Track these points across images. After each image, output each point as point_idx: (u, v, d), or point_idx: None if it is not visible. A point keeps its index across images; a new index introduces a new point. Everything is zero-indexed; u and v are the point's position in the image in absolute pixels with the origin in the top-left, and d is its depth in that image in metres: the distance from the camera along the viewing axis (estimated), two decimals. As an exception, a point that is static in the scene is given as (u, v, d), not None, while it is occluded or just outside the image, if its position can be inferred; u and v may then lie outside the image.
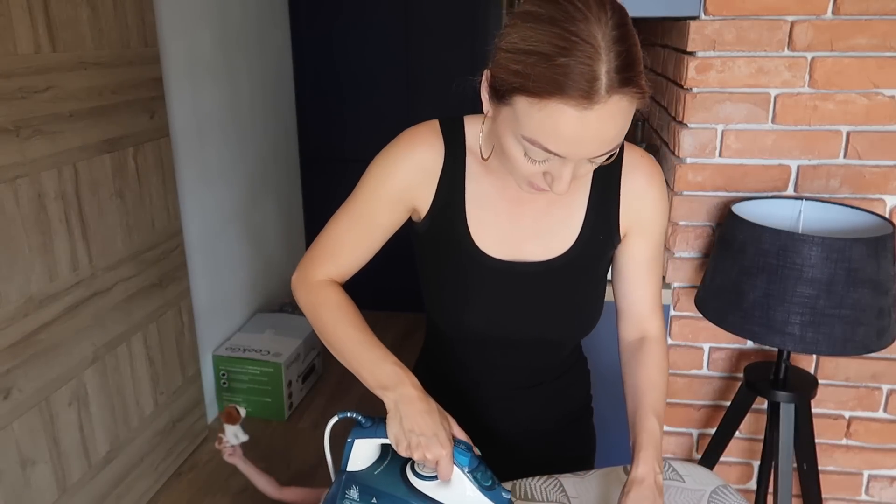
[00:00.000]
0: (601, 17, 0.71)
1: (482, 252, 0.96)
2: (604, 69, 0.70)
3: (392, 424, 0.87)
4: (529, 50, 0.72)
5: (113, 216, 2.08)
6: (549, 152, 0.76)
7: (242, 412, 1.99)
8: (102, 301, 2.06)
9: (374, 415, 0.93)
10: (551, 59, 0.70)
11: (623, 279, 1.04)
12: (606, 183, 0.97)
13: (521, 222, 0.96)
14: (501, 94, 0.77)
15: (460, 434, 0.89)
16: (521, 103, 0.74)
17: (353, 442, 0.93)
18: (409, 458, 0.88)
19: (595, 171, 0.93)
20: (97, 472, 2.08)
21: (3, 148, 1.67)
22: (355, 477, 0.92)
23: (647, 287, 1.04)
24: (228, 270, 2.96)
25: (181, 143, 2.53)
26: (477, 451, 0.90)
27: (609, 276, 1.06)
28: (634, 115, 0.80)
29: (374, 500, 0.90)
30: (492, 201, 0.96)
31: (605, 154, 0.78)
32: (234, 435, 2.01)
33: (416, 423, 0.86)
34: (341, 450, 0.96)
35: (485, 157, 0.93)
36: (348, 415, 0.92)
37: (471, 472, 0.86)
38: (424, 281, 1.04)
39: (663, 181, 1.00)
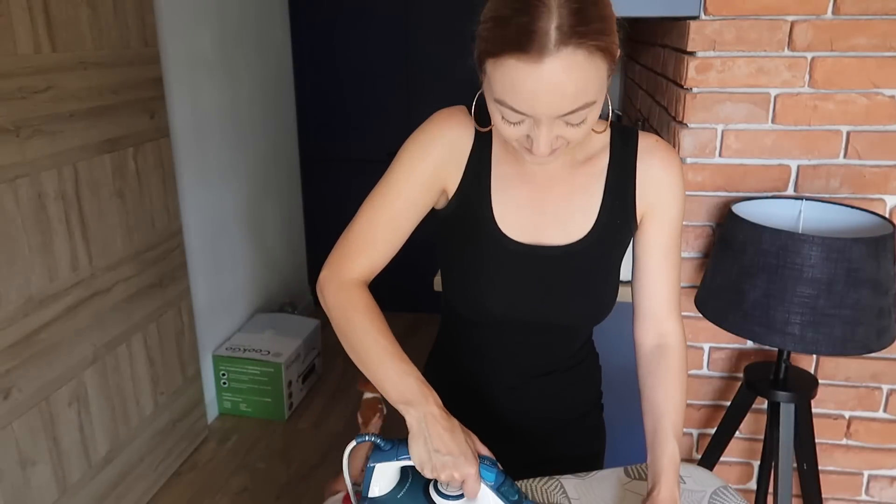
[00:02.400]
0: None
1: (504, 235, 0.98)
2: (553, 24, 0.73)
3: (416, 444, 0.85)
4: (491, 16, 0.78)
5: (113, 216, 2.08)
6: (514, 111, 0.79)
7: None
8: (102, 301, 2.06)
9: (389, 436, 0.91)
10: (506, 20, 0.75)
11: (640, 270, 1.03)
12: (622, 167, 0.98)
13: (543, 207, 0.98)
14: (479, 64, 0.81)
15: (483, 450, 0.88)
16: (489, 66, 0.79)
17: (374, 467, 0.88)
18: (431, 478, 0.87)
19: (611, 157, 0.98)
20: (97, 472, 2.08)
21: (3, 148, 1.67)
22: (378, 503, 0.90)
23: (664, 281, 1.02)
24: (228, 270, 2.96)
25: (181, 143, 2.53)
26: (499, 465, 0.88)
27: (629, 277, 1.06)
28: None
29: None
30: (515, 185, 0.98)
31: (572, 112, 0.78)
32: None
33: (443, 442, 0.83)
34: (340, 448, 0.94)
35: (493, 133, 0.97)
36: (367, 438, 0.89)
37: (497, 487, 0.84)
38: (445, 264, 1.06)
39: (679, 167, 1.00)
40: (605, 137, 0.99)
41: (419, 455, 0.84)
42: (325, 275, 0.99)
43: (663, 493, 0.91)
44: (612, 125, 1.01)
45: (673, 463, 0.93)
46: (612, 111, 0.95)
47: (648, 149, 0.99)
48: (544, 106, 0.77)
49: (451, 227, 1.02)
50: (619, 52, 0.81)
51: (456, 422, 0.87)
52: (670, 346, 1.02)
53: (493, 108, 0.83)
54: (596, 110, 0.82)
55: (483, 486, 0.84)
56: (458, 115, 0.98)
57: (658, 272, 1.02)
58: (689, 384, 1.78)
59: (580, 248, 0.98)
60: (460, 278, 1.04)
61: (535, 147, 0.82)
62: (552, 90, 0.76)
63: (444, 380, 1.06)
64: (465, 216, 1.00)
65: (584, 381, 1.16)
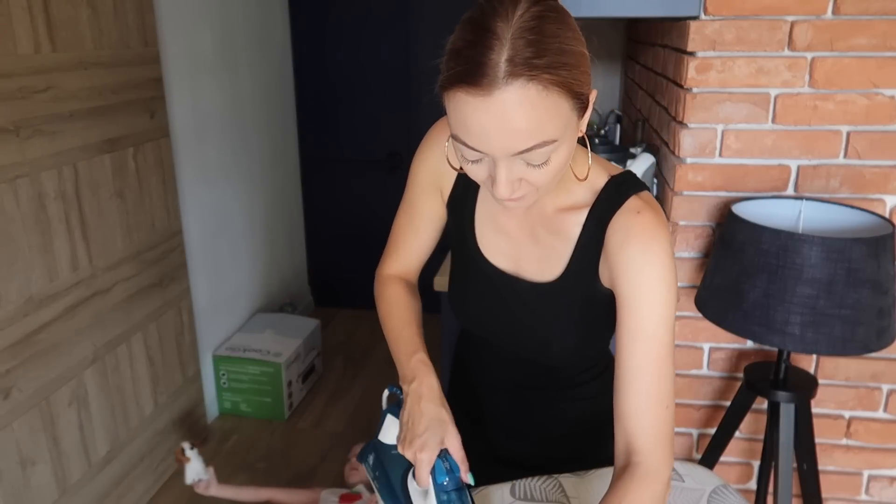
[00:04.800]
0: (511, 10, 0.71)
1: (483, 256, 1.00)
2: (504, 56, 0.69)
3: (402, 415, 0.91)
4: (448, 49, 0.74)
5: (113, 216, 2.08)
6: (468, 146, 0.75)
7: (188, 451, 2.16)
8: (102, 301, 2.06)
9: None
10: (459, 52, 0.72)
11: (616, 356, 0.86)
12: (597, 224, 0.90)
13: (521, 240, 0.97)
14: (440, 99, 0.76)
15: (456, 453, 0.85)
16: (445, 100, 0.75)
17: (385, 414, 0.96)
18: None
19: (590, 213, 0.90)
20: (97, 472, 2.08)
21: (3, 148, 1.67)
22: (378, 447, 0.96)
23: (636, 384, 0.82)
24: (228, 270, 2.96)
25: (181, 143, 2.53)
26: (468, 479, 0.85)
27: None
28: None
29: (377, 474, 0.93)
30: (496, 211, 0.98)
31: (528, 150, 0.73)
32: (194, 472, 2.16)
33: (411, 419, 0.88)
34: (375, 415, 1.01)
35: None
36: (395, 390, 0.97)
37: (439, 489, 0.82)
38: (450, 267, 1.09)
39: (647, 244, 0.84)
40: (596, 188, 0.91)
41: (400, 425, 0.90)
42: (376, 273, 1.11)
43: None
44: (614, 176, 0.92)
45: None
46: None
47: (622, 221, 0.86)
48: (496, 142, 0.72)
49: (449, 234, 1.06)
50: (590, 92, 0.76)
51: (437, 410, 0.89)
52: (640, 467, 0.80)
53: (454, 146, 0.78)
54: (562, 151, 0.75)
55: (431, 481, 0.84)
56: None
57: (627, 365, 0.83)
58: (689, 384, 1.78)
59: (549, 291, 0.95)
60: (451, 282, 1.08)
61: (496, 188, 0.76)
62: (502, 125, 0.70)
63: (462, 370, 1.13)
64: (454, 228, 1.03)
65: (591, 400, 1.12)
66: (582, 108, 0.75)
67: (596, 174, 0.91)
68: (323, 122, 3.59)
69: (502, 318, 1.00)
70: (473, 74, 0.69)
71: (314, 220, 3.75)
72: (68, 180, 1.89)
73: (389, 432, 0.95)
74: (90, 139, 1.96)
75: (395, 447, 0.93)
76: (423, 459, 0.84)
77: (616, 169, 0.94)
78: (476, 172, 0.79)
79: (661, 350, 0.83)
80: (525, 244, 0.97)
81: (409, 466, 0.91)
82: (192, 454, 2.22)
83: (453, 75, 0.71)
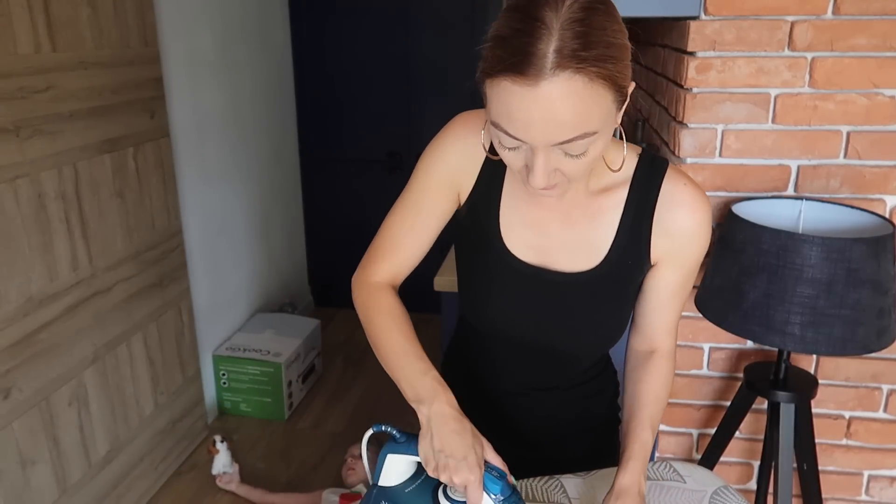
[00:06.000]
0: (560, 0, 0.71)
1: (509, 252, 0.97)
2: (553, 47, 0.69)
3: (423, 442, 0.85)
4: (493, 35, 0.74)
5: (113, 216, 2.08)
6: (508, 135, 0.75)
7: (218, 444, 2.27)
8: (102, 301, 2.06)
9: (405, 427, 0.90)
10: (506, 40, 0.72)
11: (645, 301, 1.01)
12: (641, 208, 0.93)
13: (551, 231, 0.95)
14: (480, 85, 0.78)
15: (495, 459, 0.86)
16: (487, 87, 0.75)
17: (385, 456, 0.89)
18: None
19: (631, 193, 0.92)
20: (97, 472, 2.08)
21: (3, 148, 1.67)
22: (386, 492, 0.90)
23: (667, 312, 1.01)
24: (228, 270, 2.96)
25: (181, 143, 2.53)
26: (512, 479, 0.85)
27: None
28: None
29: None
30: (525, 204, 0.96)
31: (569, 141, 0.74)
32: (220, 464, 2.27)
33: (447, 443, 0.83)
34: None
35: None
36: (383, 428, 0.89)
37: (502, 501, 0.82)
38: (458, 267, 1.06)
39: (706, 213, 0.93)
40: (628, 168, 0.93)
41: (425, 452, 0.84)
42: (354, 277, 1.03)
43: (626, 478, 0.90)
44: (642, 153, 0.95)
45: (643, 450, 0.93)
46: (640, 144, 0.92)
47: (672, 193, 0.92)
48: (538, 132, 0.73)
49: (462, 233, 1.02)
50: (630, 84, 0.77)
51: (468, 425, 0.85)
52: (661, 352, 1.03)
53: (491, 132, 0.79)
54: (600, 143, 0.77)
55: (486, 497, 0.82)
56: (476, 121, 0.95)
57: (662, 306, 1.01)
58: (689, 384, 1.78)
59: (586, 280, 0.95)
60: (467, 285, 1.04)
61: (531, 177, 0.78)
62: (547, 116, 0.71)
63: (458, 375, 1.09)
64: (473, 226, 0.99)
65: (592, 398, 1.14)
66: (622, 101, 0.77)
67: (616, 160, 0.93)
68: (323, 122, 3.59)
69: (533, 314, 0.98)
70: (521, 64, 0.70)
71: (314, 219, 3.75)
72: (68, 180, 1.89)
73: (392, 473, 0.90)
74: (90, 139, 1.96)
75: (403, 487, 0.89)
76: (473, 480, 0.81)
77: (636, 146, 0.97)
78: (511, 160, 0.80)
79: (692, 282, 1.00)
80: (558, 235, 0.95)
81: (432, 493, 0.87)
82: (221, 447, 2.27)
83: (499, 63, 0.71)
